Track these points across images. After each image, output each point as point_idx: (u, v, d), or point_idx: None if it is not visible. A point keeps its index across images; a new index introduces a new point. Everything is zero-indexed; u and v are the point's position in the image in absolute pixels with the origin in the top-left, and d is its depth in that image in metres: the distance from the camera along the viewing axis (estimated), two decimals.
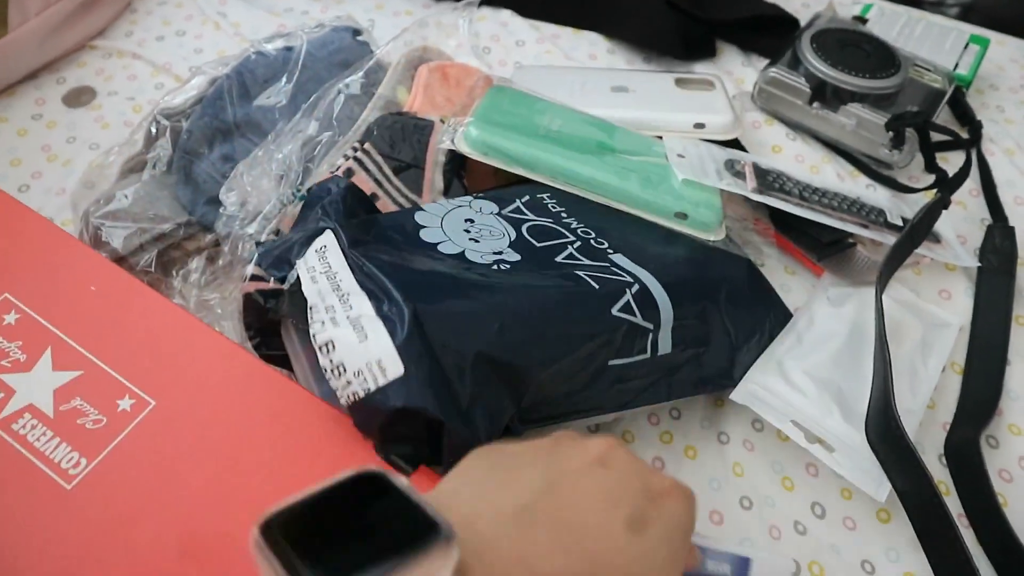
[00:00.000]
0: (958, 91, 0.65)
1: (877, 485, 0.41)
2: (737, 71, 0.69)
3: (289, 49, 0.55)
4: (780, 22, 0.71)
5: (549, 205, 0.47)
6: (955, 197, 0.55)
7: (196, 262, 0.48)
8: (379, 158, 0.46)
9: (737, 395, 0.44)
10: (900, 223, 0.54)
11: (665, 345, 0.42)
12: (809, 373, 0.45)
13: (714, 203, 0.50)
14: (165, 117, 0.51)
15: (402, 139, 0.47)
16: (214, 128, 0.51)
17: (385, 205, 0.45)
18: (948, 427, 0.46)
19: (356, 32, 0.58)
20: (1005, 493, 0.44)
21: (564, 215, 0.46)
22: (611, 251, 0.44)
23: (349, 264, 0.35)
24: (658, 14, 0.67)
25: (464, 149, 0.47)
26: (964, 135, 0.64)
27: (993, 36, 0.75)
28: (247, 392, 0.35)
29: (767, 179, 0.54)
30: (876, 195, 0.58)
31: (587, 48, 0.69)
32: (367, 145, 0.46)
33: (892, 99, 0.60)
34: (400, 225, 0.40)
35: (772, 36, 0.70)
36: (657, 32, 0.67)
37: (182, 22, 0.71)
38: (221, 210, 0.45)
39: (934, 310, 0.52)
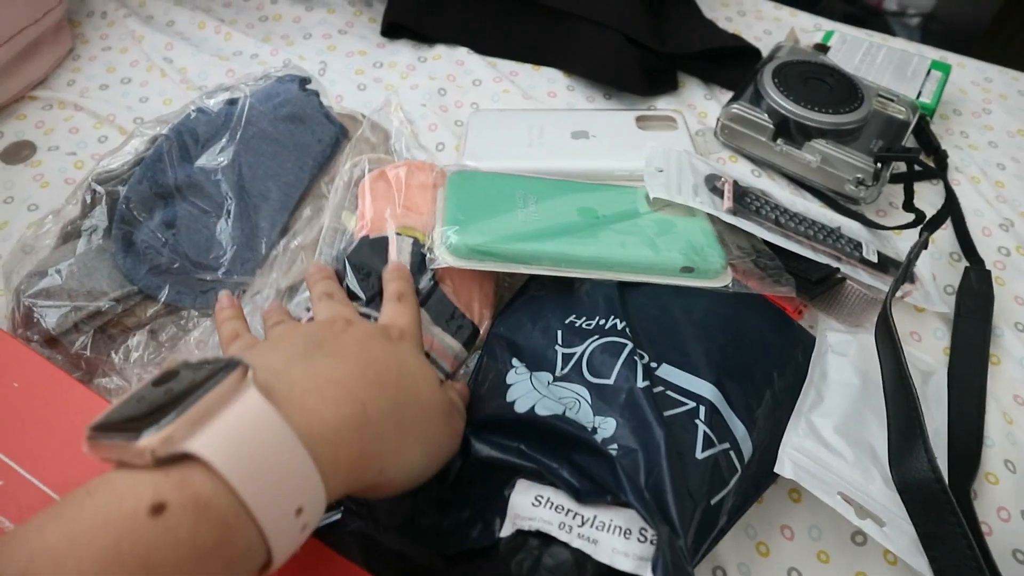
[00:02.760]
0: (922, 120, 0.65)
1: None
2: (700, 104, 0.68)
3: (232, 103, 0.52)
4: (742, 52, 0.70)
5: (581, 324, 0.42)
6: None
7: (137, 337, 0.45)
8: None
9: (785, 468, 0.39)
10: (875, 259, 0.53)
11: (747, 448, 0.38)
12: (840, 431, 0.42)
13: (713, 243, 0.48)
14: (101, 183, 0.48)
15: (365, 275, 0.43)
16: (153, 193, 0.48)
17: None
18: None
19: (304, 81, 0.56)
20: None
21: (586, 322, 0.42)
22: (654, 363, 0.40)
23: None
24: (617, 49, 0.65)
25: (451, 261, 0.43)
26: (930, 164, 0.63)
27: (954, 59, 0.75)
28: None
29: (745, 200, 0.52)
30: (855, 226, 0.57)
31: (546, 85, 0.67)
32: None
33: (857, 133, 0.59)
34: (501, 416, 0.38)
35: (734, 67, 0.68)
36: (617, 67, 0.65)
37: (127, 68, 0.68)
38: None
39: (922, 357, 0.50)
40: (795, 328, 0.48)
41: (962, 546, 0.37)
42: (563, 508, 0.32)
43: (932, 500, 0.39)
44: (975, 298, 0.53)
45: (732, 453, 0.37)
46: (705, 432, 0.36)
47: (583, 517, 0.32)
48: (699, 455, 0.35)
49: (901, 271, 0.49)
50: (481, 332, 0.45)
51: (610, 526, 0.31)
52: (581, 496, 0.32)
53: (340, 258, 0.45)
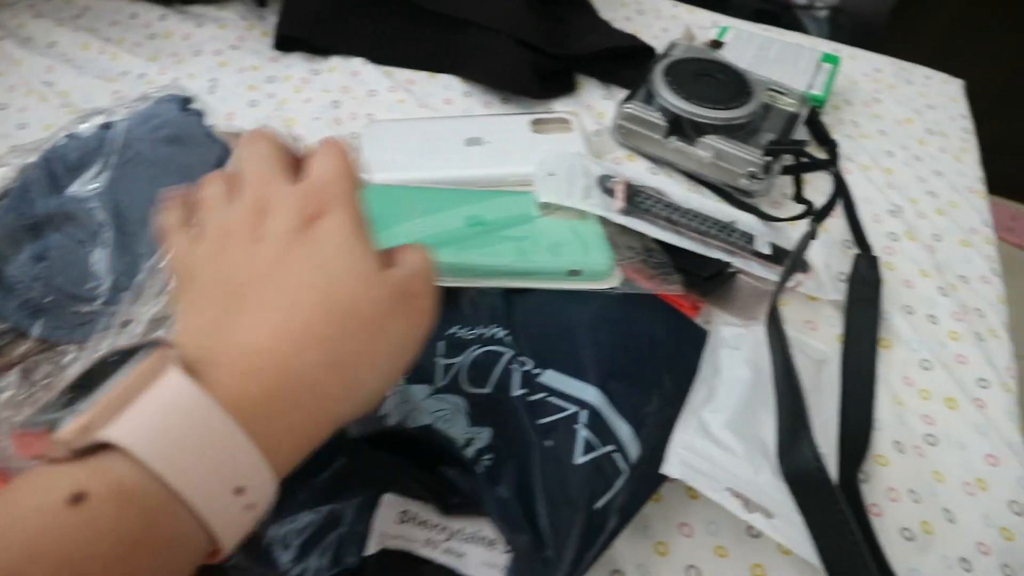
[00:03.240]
0: (813, 112, 0.66)
1: None
2: (598, 105, 0.68)
3: (107, 127, 0.50)
4: (638, 51, 0.70)
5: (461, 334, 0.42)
6: None
7: (9, 378, 0.43)
8: None
9: (672, 468, 0.39)
10: (768, 251, 0.53)
11: (634, 449, 0.38)
12: (731, 427, 0.42)
13: (601, 245, 0.48)
14: None
15: None
16: (21, 226, 0.46)
17: None
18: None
19: (185, 100, 0.54)
20: (876, 527, 0.43)
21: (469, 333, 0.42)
22: (538, 370, 0.39)
23: None
24: (511, 53, 0.65)
25: None
26: (823, 155, 0.65)
27: (846, 51, 0.77)
28: None
29: (636, 199, 0.52)
30: (750, 220, 0.58)
31: (442, 93, 0.67)
32: None
33: (748, 127, 0.60)
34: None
35: (631, 66, 0.69)
36: (511, 72, 0.65)
37: (4, 94, 0.65)
38: None
39: (816, 345, 0.51)
40: (689, 325, 0.48)
41: (845, 532, 0.38)
42: (430, 523, 0.32)
43: (816, 489, 0.39)
44: (865, 284, 0.55)
45: (617, 455, 0.37)
46: (585, 437, 0.36)
47: (450, 530, 0.31)
48: (578, 460, 0.35)
49: (788, 262, 0.50)
50: None
51: (476, 537, 0.31)
52: (449, 509, 0.32)
53: None
